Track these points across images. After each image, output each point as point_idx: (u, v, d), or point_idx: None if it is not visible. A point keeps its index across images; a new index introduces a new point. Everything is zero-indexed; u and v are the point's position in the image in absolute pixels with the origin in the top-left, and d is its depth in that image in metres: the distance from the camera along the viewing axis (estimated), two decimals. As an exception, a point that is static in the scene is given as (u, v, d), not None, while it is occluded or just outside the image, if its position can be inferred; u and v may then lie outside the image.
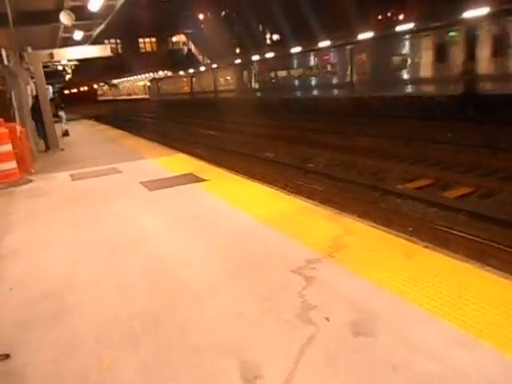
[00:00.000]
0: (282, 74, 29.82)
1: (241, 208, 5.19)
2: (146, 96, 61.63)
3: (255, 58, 32.52)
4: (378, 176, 9.88)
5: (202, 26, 37.47)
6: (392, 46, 19.99)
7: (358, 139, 14.62)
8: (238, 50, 38.03)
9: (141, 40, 57.39)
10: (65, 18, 10.36)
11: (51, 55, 13.88)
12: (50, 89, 27.74)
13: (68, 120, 19.96)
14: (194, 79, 42.97)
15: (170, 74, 52.09)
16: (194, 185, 6.73)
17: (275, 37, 31.83)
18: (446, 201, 7.79)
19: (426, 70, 18.56)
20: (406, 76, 19.60)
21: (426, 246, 3.63)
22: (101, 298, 3.24)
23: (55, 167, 9.86)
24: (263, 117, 24.82)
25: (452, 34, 17.07)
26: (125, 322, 2.86)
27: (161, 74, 54.87)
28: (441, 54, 17.57)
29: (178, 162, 9.01)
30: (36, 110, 13.54)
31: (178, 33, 51.64)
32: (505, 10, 14.55)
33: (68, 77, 35.09)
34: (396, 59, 19.72)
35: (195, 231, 4.56)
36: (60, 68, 25.81)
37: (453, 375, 2.12)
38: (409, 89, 19.45)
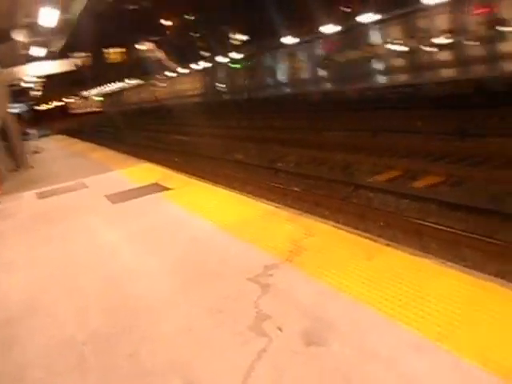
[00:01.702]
0: (253, 73, 29.81)
1: (202, 216, 5.02)
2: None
3: (222, 60, 32.43)
4: (348, 171, 9.79)
5: (169, 32, 37.34)
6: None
7: (327, 134, 14.55)
8: (205, 54, 37.93)
9: (110, 50, 56.84)
10: (19, 35, 10.09)
11: (12, 73, 13.56)
12: (19, 107, 27.28)
13: (40, 136, 19.60)
14: (159, 86, 42.92)
15: (139, 82, 51.91)
16: (158, 194, 6.57)
17: (242, 37, 31.73)
18: (416, 191, 7.72)
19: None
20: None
21: (388, 245, 3.49)
22: (57, 322, 3.15)
23: (23, 186, 9.73)
24: (233, 118, 24.66)
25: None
26: (77, 347, 2.75)
27: (131, 82, 54.55)
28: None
29: (144, 172, 8.83)
30: (5, 130, 13.24)
31: (146, 40, 51.33)
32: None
33: (38, 93, 34.61)
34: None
35: (153, 243, 4.44)
36: (30, 85, 25.37)
37: (407, 383, 1.97)
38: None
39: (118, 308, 3.17)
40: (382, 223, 6.58)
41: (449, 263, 3.01)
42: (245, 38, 31.82)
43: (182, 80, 43.61)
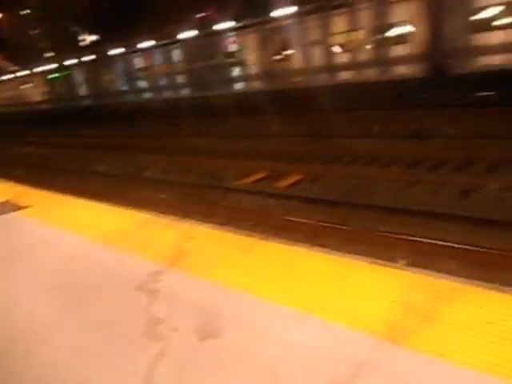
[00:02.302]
0: (110, 77, 28.53)
1: (74, 231, 4.77)
2: None
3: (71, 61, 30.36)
4: (216, 175, 10.11)
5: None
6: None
7: (193, 140, 14.77)
8: (49, 54, 34.79)
9: None
10: None
11: None
12: None
13: None
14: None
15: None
16: (13, 215, 5.92)
17: (91, 38, 29.94)
18: (280, 190, 8.34)
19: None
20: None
21: (262, 238, 3.79)
22: None
23: None
24: (92, 127, 23.39)
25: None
26: None
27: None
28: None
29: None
30: None
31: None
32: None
33: None
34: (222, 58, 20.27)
35: (18, 269, 4.05)
36: None
37: (290, 352, 2.26)
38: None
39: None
40: (252, 222, 6.97)
41: (316, 247, 3.43)
42: (94, 38, 30.16)
43: (21, 83, 39.34)
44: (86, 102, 31.59)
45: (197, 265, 3.44)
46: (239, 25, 19.71)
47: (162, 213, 5.28)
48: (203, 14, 21.75)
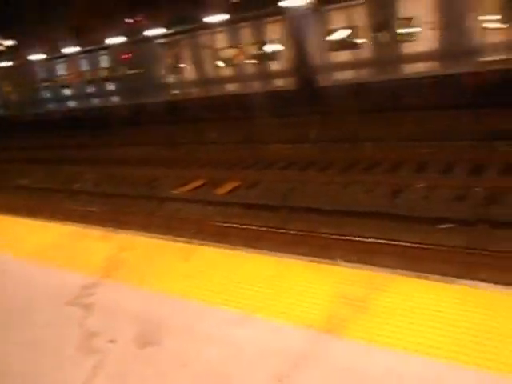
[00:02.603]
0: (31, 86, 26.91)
1: (-1, 249, 4.47)
2: None
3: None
4: (152, 185, 9.93)
5: None
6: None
7: (127, 150, 14.39)
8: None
9: None
10: None
11: None
12: None
13: None
14: None
15: None
16: None
17: (8, 42, 28.03)
18: (219, 197, 8.34)
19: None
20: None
21: (201, 244, 3.76)
22: None
23: None
24: (14, 138, 21.89)
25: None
26: None
27: None
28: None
29: None
30: None
31: None
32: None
33: None
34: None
35: None
36: None
37: (234, 352, 2.27)
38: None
39: None
40: (191, 231, 6.91)
41: (258, 250, 3.47)
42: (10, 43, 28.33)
43: None
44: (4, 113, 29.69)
45: (133, 275, 3.35)
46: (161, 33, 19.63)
47: (94, 225, 5.09)
48: (132, 19, 21.33)
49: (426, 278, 2.68)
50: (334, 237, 6.11)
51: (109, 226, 5.46)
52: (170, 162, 11.68)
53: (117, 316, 2.81)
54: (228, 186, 8.92)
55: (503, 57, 11.35)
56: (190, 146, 13.49)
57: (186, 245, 3.81)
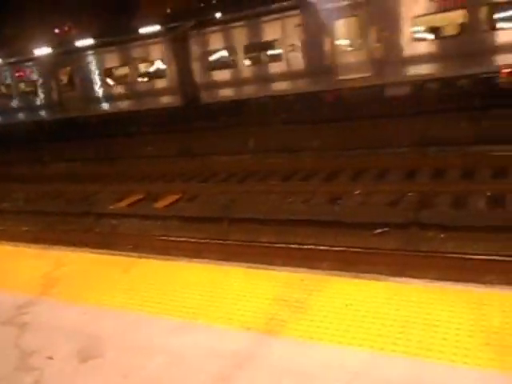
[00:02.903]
0: None
1: None
2: None
3: None
4: (88, 201, 9.59)
5: None
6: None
7: (59, 165, 13.82)
8: None
9: None
10: None
11: None
12: None
13: None
14: None
15: None
16: None
17: None
18: (158, 211, 8.21)
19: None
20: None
21: (141, 257, 3.72)
22: None
23: None
24: None
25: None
26: None
27: None
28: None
29: None
30: None
31: None
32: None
33: None
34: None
35: None
36: None
37: (177, 359, 2.30)
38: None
39: None
40: (130, 246, 6.74)
41: (198, 259, 3.48)
42: None
43: None
44: None
45: (71, 291, 3.27)
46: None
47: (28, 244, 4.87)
48: (60, 29, 20.65)
49: (360, 278, 2.81)
50: (274, 245, 6.20)
51: (43, 244, 5.24)
52: (106, 176, 11.37)
53: (55, 333, 2.74)
54: (167, 200, 8.82)
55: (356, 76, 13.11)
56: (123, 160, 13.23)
57: (125, 258, 3.76)
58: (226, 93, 15.50)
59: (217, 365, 2.17)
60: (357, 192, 7.86)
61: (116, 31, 18.50)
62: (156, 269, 3.40)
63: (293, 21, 13.86)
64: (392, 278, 2.84)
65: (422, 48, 12.21)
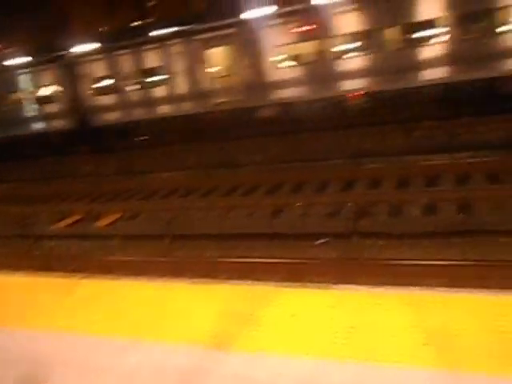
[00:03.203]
0: None
1: None
2: None
3: None
4: (26, 223, 9.08)
5: None
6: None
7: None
8: None
9: None
10: None
11: None
12: None
13: None
14: None
15: None
16: None
17: None
18: (99, 231, 7.94)
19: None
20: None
21: (84, 278, 3.60)
22: None
23: None
24: None
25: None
26: None
27: None
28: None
29: None
30: None
31: None
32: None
33: None
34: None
35: None
36: None
37: (126, 378, 2.28)
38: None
39: None
40: (71, 268, 6.46)
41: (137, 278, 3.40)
42: None
43: None
44: None
45: (11, 316, 3.11)
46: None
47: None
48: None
49: (305, 287, 2.87)
50: (219, 260, 6.19)
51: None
52: (44, 197, 10.87)
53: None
54: (108, 219, 8.55)
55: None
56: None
57: (67, 280, 3.63)
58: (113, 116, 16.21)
59: (166, 383, 2.14)
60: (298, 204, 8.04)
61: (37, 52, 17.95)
62: (100, 289, 3.31)
63: (173, 49, 14.92)
64: (335, 286, 2.92)
65: (284, 74, 13.57)
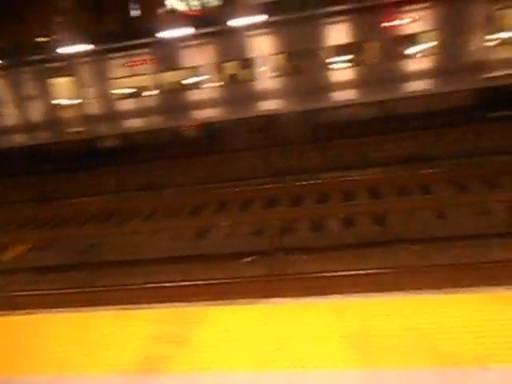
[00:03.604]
0: None
1: None
2: None
3: None
4: None
5: None
6: None
7: None
8: None
9: None
10: None
11: None
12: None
13: None
14: None
15: None
16: None
17: None
18: (5, 264, 7.31)
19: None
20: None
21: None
22: None
23: None
24: None
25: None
26: None
27: None
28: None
29: None
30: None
31: None
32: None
33: None
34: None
35: None
36: None
37: None
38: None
39: None
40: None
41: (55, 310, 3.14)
42: None
43: None
44: None
45: None
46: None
47: None
48: None
49: (235, 304, 2.83)
50: (143, 286, 5.95)
51: None
52: None
53: None
54: (16, 250, 7.88)
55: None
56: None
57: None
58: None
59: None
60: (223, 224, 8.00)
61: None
62: (15, 326, 2.99)
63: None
64: (265, 301, 2.91)
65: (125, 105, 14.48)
